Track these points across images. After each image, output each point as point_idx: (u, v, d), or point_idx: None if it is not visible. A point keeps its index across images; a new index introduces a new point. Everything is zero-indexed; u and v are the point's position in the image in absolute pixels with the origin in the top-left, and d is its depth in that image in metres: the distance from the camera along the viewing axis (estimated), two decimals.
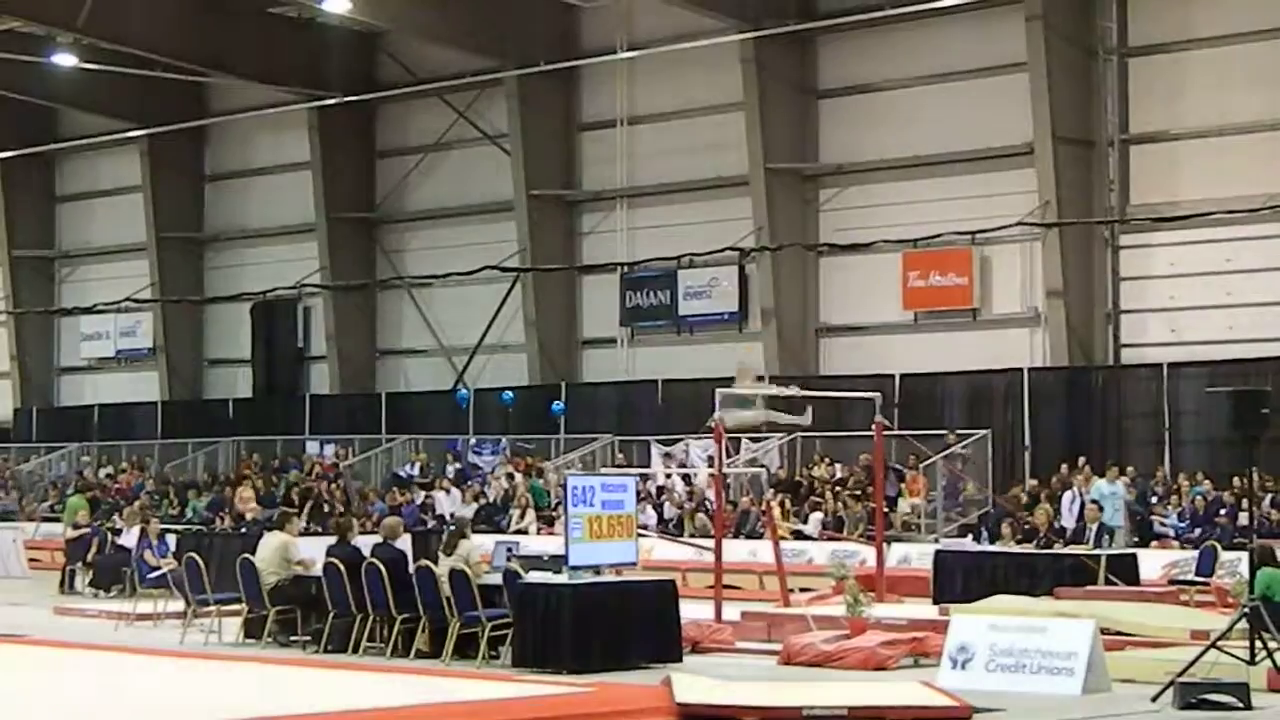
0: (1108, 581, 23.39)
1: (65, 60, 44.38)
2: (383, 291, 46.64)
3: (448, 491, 37.23)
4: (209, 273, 50.43)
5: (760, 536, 30.59)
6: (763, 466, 35.03)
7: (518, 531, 34.03)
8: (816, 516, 32.56)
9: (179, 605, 22.65)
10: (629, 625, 18.25)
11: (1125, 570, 24.06)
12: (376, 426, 44.14)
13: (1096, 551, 24.59)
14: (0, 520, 40.27)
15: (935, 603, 23.48)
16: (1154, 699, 15.17)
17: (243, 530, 29.72)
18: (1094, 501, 28.92)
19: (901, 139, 37.40)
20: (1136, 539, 29.41)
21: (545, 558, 20.75)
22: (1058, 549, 25.51)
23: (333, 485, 38.87)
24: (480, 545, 21.12)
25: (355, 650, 19.52)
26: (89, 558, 29.61)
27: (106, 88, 45.70)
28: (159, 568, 25.03)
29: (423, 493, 37.68)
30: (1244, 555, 22.17)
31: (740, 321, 39.86)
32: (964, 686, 15.64)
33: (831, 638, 18.83)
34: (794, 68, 38.63)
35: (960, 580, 24.42)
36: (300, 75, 44.10)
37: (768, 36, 37.62)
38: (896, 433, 33.10)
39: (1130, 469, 31.74)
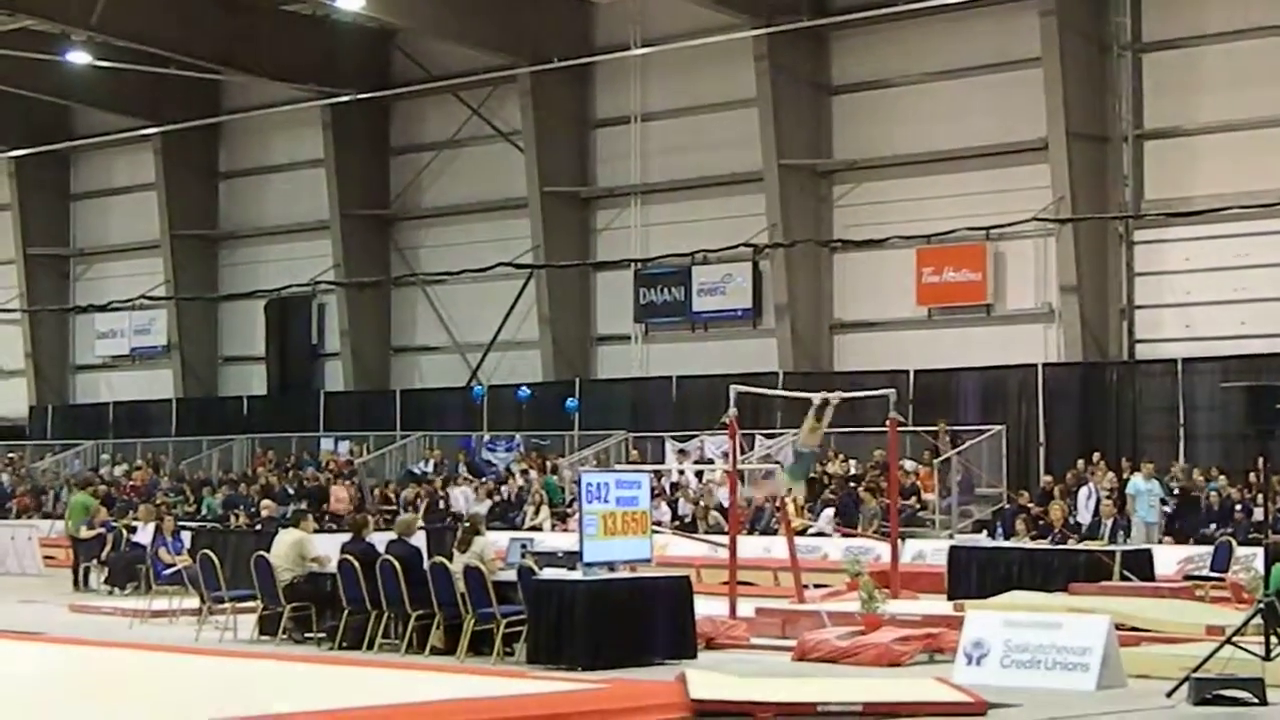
0: (1123, 577, 23.37)
1: (79, 58, 44.46)
2: (397, 288, 46.68)
3: (461, 485, 37.24)
4: (223, 270, 50.49)
5: (775, 533, 30.60)
6: (777, 463, 35.01)
7: (532, 528, 34.05)
8: (829, 512, 32.55)
9: (194, 602, 22.71)
10: (643, 622, 18.25)
11: (1140, 566, 24.05)
12: (391, 423, 44.19)
13: (1111, 547, 24.58)
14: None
15: (950, 599, 23.46)
16: (1169, 694, 15.16)
17: (258, 527, 29.79)
18: (1108, 498, 28.97)
19: (915, 135, 37.38)
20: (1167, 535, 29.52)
21: (560, 554, 20.77)
22: (1072, 544, 25.50)
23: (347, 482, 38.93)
24: (495, 542, 21.14)
25: (370, 647, 19.55)
26: (103, 555, 29.64)
27: (120, 85, 45.80)
28: (174, 565, 25.07)
29: (436, 489, 37.74)
30: (1259, 551, 22.15)
31: (754, 318, 39.85)
32: (979, 682, 15.63)
33: (846, 634, 18.83)
34: (808, 64, 38.60)
35: (975, 576, 24.43)
36: (314, 73, 44.12)
37: (781, 33, 37.60)
38: (911, 429, 33.08)
39: (1147, 465, 31.72)
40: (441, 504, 36.80)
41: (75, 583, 30.10)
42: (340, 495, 33.67)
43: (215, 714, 13.61)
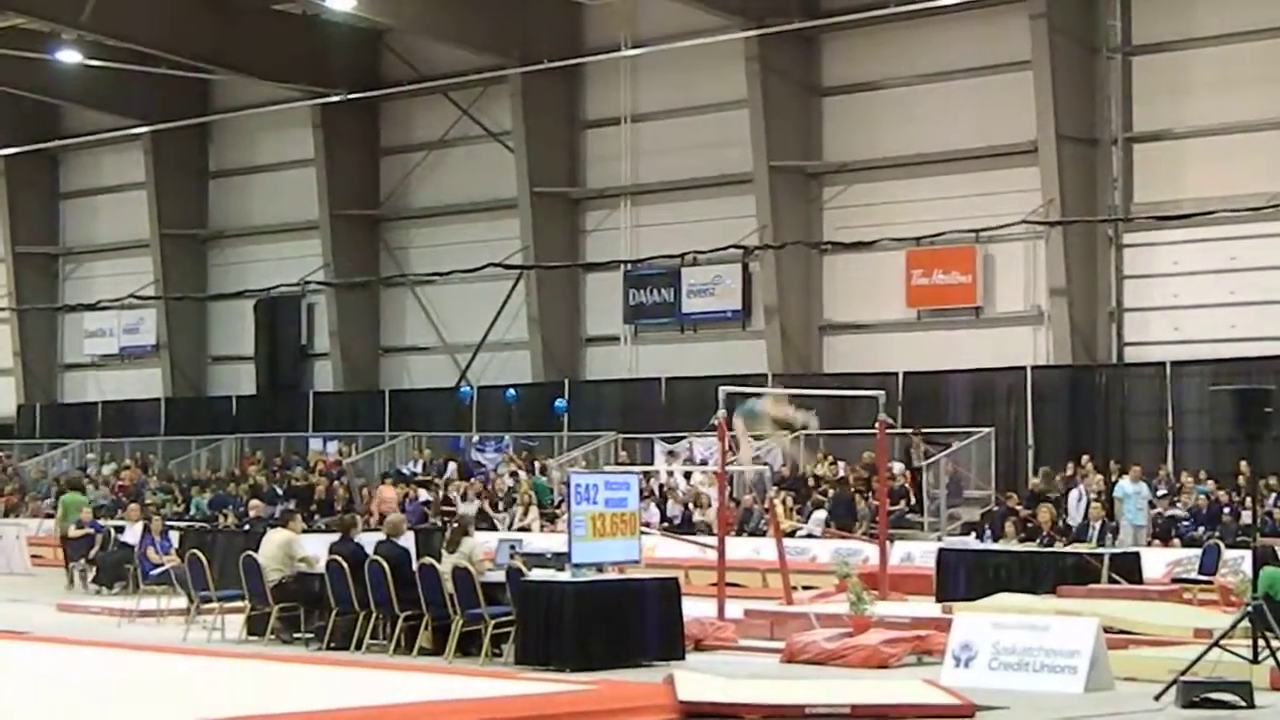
0: (1111, 580, 23.39)
1: (69, 57, 44.37)
2: (386, 289, 46.63)
3: (464, 498, 37.00)
4: (212, 269, 50.43)
5: (763, 534, 30.60)
6: (766, 464, 35.04)
7: (521, 529, 34.03)
8: (819, 514, 32.55)
9: (182, 602, 22.69)
10: (632, 623, 18.26)
11: (1128, 569, 24.07)
12: (380, 424, 44.16)
13: (1100, 550, 24.60)
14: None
15: (938, 601, 23.49)
16: (1157, 697, 15.17)
17: (246, 527, 29.76)
18: (1096, 500, 28.98)
19: (905, 137, 37.39)
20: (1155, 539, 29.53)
21: (548, 555, 20.76)
22: (1060, 547, 25.51)
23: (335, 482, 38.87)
24: (483, 543, 21.13)
25: (358, 648, 19.54)
26: (91, 555, 29.63)
27: (110, 84, 45.71)
28: (162, 565, 25.05)
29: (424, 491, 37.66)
30: (1247, 554, 22.18)
31: (744, 319, 39.85)
32: (967, 685, 15.64)
33: (834, 636, 18.84)
34: (798, 65, 38.61)
35: (963, 578, 24.44)
36: (304, 72, 44.07)
37: (772, 34, 37.60)
38: (899, 430, 33.10)
39: (1135, 468, 31.75)
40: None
41: (71, 581, 30.15)
42: (387, 496, 33.56)
43: (202, 714, 13.60)
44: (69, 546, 30.72)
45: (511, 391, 41.07)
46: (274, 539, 21.37)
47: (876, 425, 25.21)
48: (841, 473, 34.35)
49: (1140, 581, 24.09)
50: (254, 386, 48.66)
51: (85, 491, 36.05)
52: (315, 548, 21.56)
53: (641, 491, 25.29)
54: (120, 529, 30.02)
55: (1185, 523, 30.23)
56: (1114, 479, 30.95)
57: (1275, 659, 15.81)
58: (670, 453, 36.61)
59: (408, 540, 21.52)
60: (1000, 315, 36.49)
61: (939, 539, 30.53)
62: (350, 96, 43.20)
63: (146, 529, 27.11)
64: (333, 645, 19.89)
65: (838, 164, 38.61)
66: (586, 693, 14.99)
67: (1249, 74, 33.55)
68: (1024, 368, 35.37)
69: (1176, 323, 34.34)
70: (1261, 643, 15.91)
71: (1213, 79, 34.00)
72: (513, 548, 21.20)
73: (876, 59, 37.88)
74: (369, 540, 20.75)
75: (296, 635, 20.74)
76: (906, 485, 33.24)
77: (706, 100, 40.04)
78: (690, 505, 33.82)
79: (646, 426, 38.72)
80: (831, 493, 33.18)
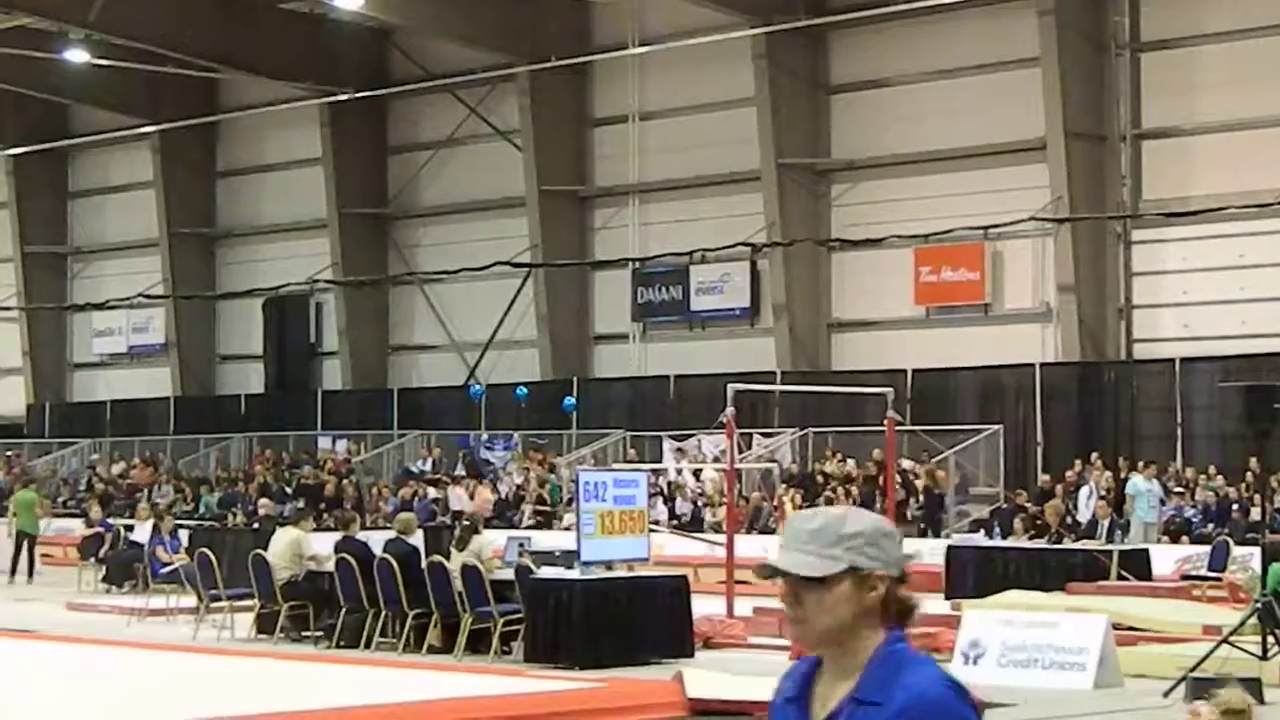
0: (1120, 577, 23.38)
1: (77, 56, 44.42)
2: (395, 287, 46.66)
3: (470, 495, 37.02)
4: (221, 268, 50.47)
5: (773, 531, 30.61)
6: (775, 462, 35.04)
7: (530, 526, 34.03)
8: None
9: (191, 601, 22.71)
10: (641, 620, 18.27)
11: (1137, 565, 24.06)
12: (389, 422, 44.17)
13: (1109, 547, 24.58)
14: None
15: (947, 598, 23.49)
16: (1166, 694, 15.17)
17: (255, 526, 29.81)
18: (1102, 498, 28.98)
19: (913, 134, 37.36)
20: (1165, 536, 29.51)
21: (557, 553, 20.78)
22: (1069, 544, 25.51)
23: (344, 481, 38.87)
24: (492, 540, 21.14)
25: (367, 646, 19.55)
26: (101, 553, 29.69)
27: (118, 84, 45.78)
28: (171, 563, 25.08)
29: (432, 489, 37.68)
30: (1256, 550, 22.16)
31: (752, 317, 39.84)
32: (976, 681, 15.60)
33: None
34: (806, 63, 38.60)
35: (972, 575, 24.46)
36: (312, 71, 44.09)
37: (780, 32, 37.59)
38: (908, 428, 33.07)
39: (1149, 466, 31.72)
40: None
41: (13, 573, 31.09)
42: (486, 497, 33.39)
43: (212, 712, 13.61)
44: (26, 540, 31.53)
45: (522, 389, 41.07)
46: (283, 537, 21.40)
47: (885, 423, 25.19)
48: (849, 469, 34.38)
49: (1149, 578, 24.10)
50: (263, 385, 48.68)
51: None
52: (323, 546, 21.59)
53: (650, 489, 25.27)
54: (130, 528, 30.06)
55: (1195, 520, 30.20)
56: (1124, 476, 30.93)
57: None
58: (679, 450, 36.61)
59: (417, 538, 21.54)
60: (1009, 312, 36.46)
61: (948, 536, 30.53)
62: (358, 95, 43.22)
63: (156, 528, 27.16)
64: (342, 643, 19.90)
65: (846, 161, 38.59)
66: (596, 690, 15.00)
67: (1258, 70, 33.50)
68: (1033, 365, 35.34)
69: (1186, 319, 34.30)
70: (1270, 639, 15.90)
71: (1222, 75, 33.97)
72: (521, 545, 21.22)
73: (884, 56, 37.85)
74: (376, 538, 20.76)
75: (305, 633, 20.76)
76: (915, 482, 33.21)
77: (714, 98, 40.02)
78: (703, 504, 33.84)
79: (655, 424, 38.73)
80: (858, 490, 33.20)
